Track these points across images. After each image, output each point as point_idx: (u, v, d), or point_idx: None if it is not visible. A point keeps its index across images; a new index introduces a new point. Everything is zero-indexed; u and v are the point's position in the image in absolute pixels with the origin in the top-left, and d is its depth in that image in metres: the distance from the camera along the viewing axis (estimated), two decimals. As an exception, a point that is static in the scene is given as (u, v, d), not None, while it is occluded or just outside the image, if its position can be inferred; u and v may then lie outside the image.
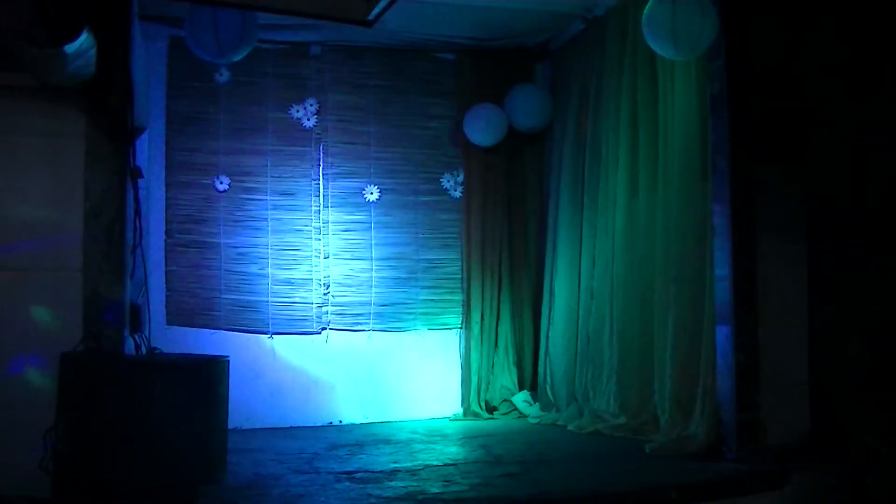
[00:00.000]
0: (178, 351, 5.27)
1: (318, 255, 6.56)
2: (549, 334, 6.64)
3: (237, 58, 5.60)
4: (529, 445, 5.61)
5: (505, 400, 6.78)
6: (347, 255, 6.64)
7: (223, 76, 6.38)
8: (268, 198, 6.46)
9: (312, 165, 6.60)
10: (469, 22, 6.18)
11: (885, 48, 4.91)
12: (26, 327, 4.18)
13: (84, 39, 3.69)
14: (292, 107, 6.55)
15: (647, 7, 4.69)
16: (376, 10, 5.39)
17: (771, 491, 4.33)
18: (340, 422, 6.47)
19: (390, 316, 6.69)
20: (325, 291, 6.56)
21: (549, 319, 6.67)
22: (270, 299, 6.41)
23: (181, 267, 6.28)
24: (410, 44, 6.68)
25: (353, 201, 6.67)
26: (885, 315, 4.91)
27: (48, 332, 4.16)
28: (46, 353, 4.07)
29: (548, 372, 6.62)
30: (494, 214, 6.91)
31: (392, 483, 4.39)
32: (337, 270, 6.60)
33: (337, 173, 6.65)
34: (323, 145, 6.63)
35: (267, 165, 6.48)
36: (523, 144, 6.95)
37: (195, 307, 6.27)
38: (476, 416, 6.62)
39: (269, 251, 6.44)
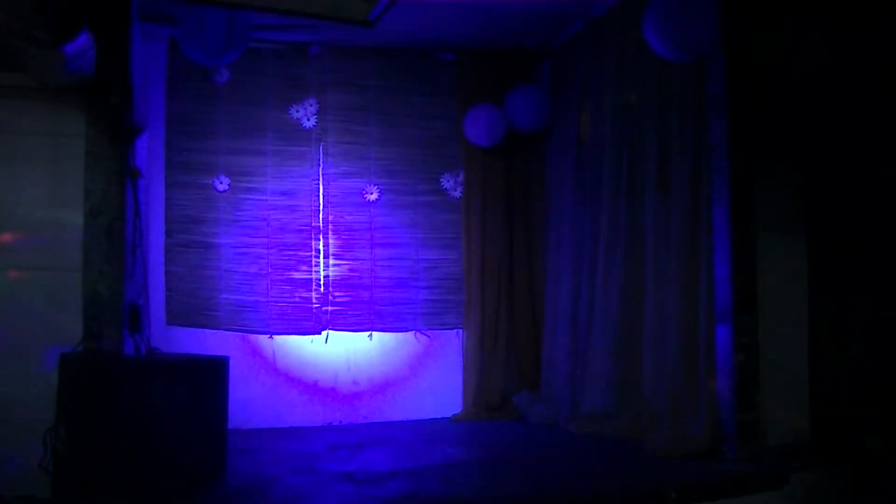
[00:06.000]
0: (178, 351, 5.28)
1: (317, 255, 6.56)
2: (550, 334, 6.64)
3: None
4: (529, 446, 5.62)
5: (505, 400, 6.77)
6: (347, 255, 6.64)
7: (223, 76, 6.38)
8: (268, 198, 6.46)
9: (312, 165, 6.59)
10: (469, 22, 6.17)
11: (885, 47, 4.91)
12: (27, 327, 4.19)
13: (84, 39, 3.70)
14: (292, 107, 6.54)
15: (647, 8, 4.69)
16: (376, 10, 5.40)
17: (771, 491, 4.33)
18: (340, 422, 6.47)
19: (390, 316, 6.69)
20: (325, 291, 6.55)
21: (549, 319, 6.67)
22: (270, 299, 6.41)
23: (181, 267, 6.27)
24: (410, 44, 6.68)
25: (353, 201, 6.67)
26: (885, 315, 4.91)
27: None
28: (46, 353, 4.08)
29: (548, 372, 6.61)
30: (494, 214, 6.90)
31: (392, 484, 4.39)
32: (337, 270, 6.60)
33: (337, 173, 6.64)
34: (323, 145, 6.62)
35: (267, 165, 6.46)
36: (523, 144, 6.94)
37: (195, 307, 6.26)
38: (476, 416, 6.60)
39: (269, 251, 6.44)
